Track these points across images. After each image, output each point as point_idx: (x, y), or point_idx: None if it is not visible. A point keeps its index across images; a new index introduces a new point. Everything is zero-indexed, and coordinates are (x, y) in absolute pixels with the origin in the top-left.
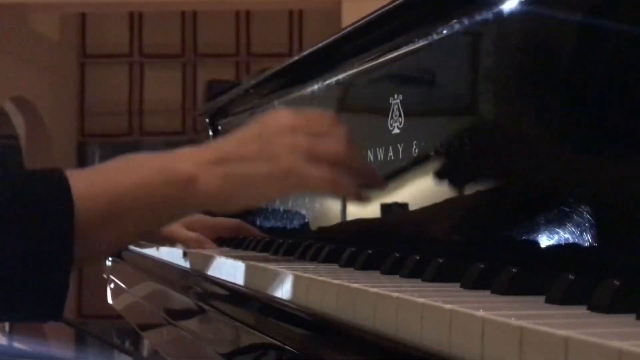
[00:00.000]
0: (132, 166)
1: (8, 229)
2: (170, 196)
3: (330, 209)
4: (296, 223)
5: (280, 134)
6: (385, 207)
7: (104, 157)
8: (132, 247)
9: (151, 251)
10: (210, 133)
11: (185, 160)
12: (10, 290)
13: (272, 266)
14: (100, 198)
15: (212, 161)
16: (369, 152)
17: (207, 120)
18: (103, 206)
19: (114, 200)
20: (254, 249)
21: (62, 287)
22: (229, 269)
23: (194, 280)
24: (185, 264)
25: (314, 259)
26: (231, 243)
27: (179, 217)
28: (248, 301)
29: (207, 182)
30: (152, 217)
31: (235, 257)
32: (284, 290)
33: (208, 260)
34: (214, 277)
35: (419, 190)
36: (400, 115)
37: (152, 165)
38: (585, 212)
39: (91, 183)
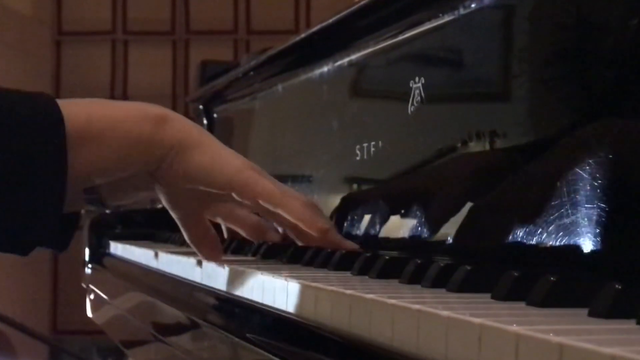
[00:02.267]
0: (110, 102)
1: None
2: (143, 131)
3: (341, 208)
4: None
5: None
6: (403, 207)
7: None
8: (115, 252)
9: (137, 257)
10: (205, 121)
11: (162, 107)
12: (9, 208)
13: (275, 274)
14: (81, 117)
15: (188, 120)
16: (387, 143)
17: (200, 107)
18: (84, 124)
19: (94, 123)
20: (254, 255)
21: (57, 205)
22: (225, 278)
23: (186, 290)
24: (175, 271)
25: (323, 266)
26: (229, 247)
27: (152, 160)
28: (247, 314)
29: (177, 127)
30: (127, 148)
31: (234, 264)
32: (289, 302)
33: (198, 267)
34: (207, 286)
35: (442, 187)
36: (422, 101)
37: (128, 104)
38: (636, 216)
39: (73, 104)
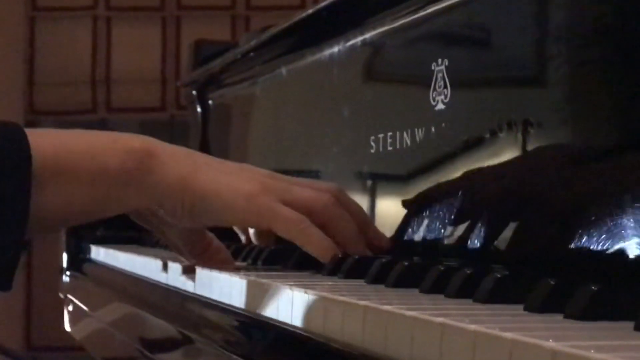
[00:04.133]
0: (85, 132)
1: None
2: (125, 167)
3: None
4: None
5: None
6: (425, 207)
7: None
8: (97, 258)
9: (122, 263)
10: (199, 109)
11: (154, 140)
12: None
13: (279, 283)
14: (48, 150)
15: (179, 151)
16: (405, 134)
17: (194, 92)
18: (55, 159)
19: (65, 155)
20: (255, 261)
21: (16, 245)
22: (223, 287)
23: (177, 300)
24: (165, 280)
25: (333, 273)
26: None
27: (133, 201)
28: (247, 328)
29: (167, 163)
30: (105, 185)
31: (231, 271)
32: (294, 314)
33: (197, 276)
34: (201, 296)
35: (469, 184)
36: (445, 86)
37: (107, 136)
38: None
39: (42, 135)
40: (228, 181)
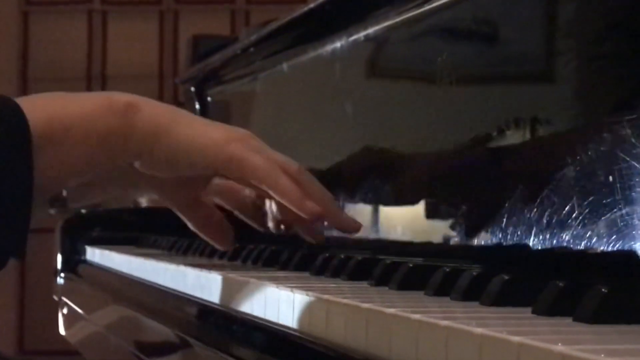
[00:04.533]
0: (75, 95)
1: None
2: (111, 125)
3: (360, 206)
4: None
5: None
6: (429, 207)
7: None
8: (92, 259)
9: (118, 265)
10: (197, 106)
11: (134, 95)
12: None
13: (280, 285)
14: (41, 118)
15: (161, 104)
16: (409, 132)
17: (192, 89)
18: (45, 126)
19: (58, 121)
20: (255, 261)
21: (25, 212)
22: (220, 288)
23: (175, 303)
24: (162, 281)
25: (336, 274)
26: (224, 253)
27: (128, 154)
28: (247, 331)
29: (147, 115)
30: (96, 145)
31: (230, 272)
32: (295, 317)
33: (189, 275)
34: (200, 298)
35: (478, 185)
36: (451, 83)
37: (95, 97)
38: None
39: (34, 103)
40: (203, 130)
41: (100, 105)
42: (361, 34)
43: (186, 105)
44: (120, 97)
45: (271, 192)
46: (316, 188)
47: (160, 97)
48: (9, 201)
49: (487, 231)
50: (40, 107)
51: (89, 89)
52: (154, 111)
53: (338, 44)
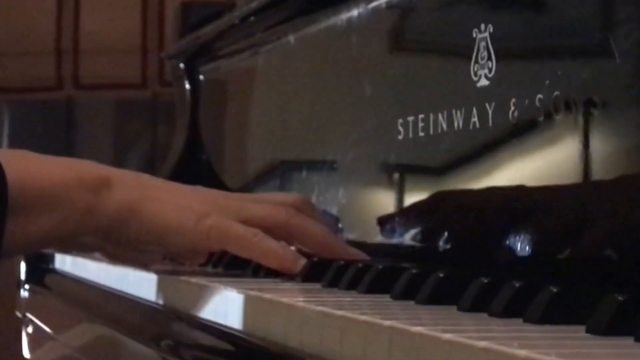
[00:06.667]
0: (49, 160)
1: None
2: (82, 200)
3: (377, 206)
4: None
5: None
6: (463, 207)
7: (19, 123)
8: (62, 268)
9: (93, 274)
10: (187, 86)
11: (105, 167)
12: None
13: (286, 299)
14: (16, 181)
15: (128, 175)
16: (440, 117)
17: (181, 65)
18: (19, 190)
19: (25, 185)
20: (256, 273)
21: None
22: (220, 304)
23: (164, 321)
24: (146, 295)
25: (351, 287)
26: (221, 261)
27: (99, 229)
28: (249, 353)
29: (115, 191)
30: (65, 220)
31: (225, 283)
32: (304, 337)
33: (187, 289)
34: (193, 315)
35: (519, 176)
36: (489, 59)
37: (66, 164)
38: None
39: (10, 161)
40: (176, 204)
41: (73, 176)
42: (382, 0)
43: (174, 85)
44: (92, 170)
45: (261, 262)
46: (313, 228)
47: (143, 76)
48: None
49: (534, 237)
50: (15, 167)
51: (58, 65)
52: (126, 188)
53: (355, 12)
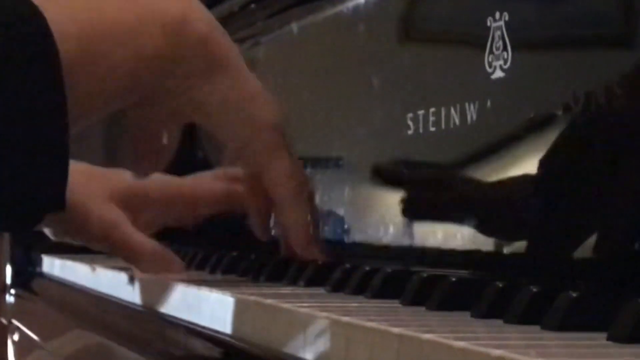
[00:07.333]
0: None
1: None
2: (160, 48)
3: (385, 206)
4: (329, 231)
5: None
6: (475, 207)
7: None
8: (51, 271)
9: (83, 278)
10: None
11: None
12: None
13: (287, 304)
14: (71, 32)
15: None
16: (453, 111)
17: None
18: (75, 46)
19: (82, 37)
20: (257, 274)
21: (62, 148)
22: (213, 308)
23: (154, 327)
24: (140, 300)
25: (358, 291)
26: (219, 265)
27: (167, 82)
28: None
29: (198, 24)
30: (135, 71)
31: (222, 287)
32: (307, 343)
33: (173, 292)
34: (187, 322)
35: (536, 176)
36: (505, 48)
37: (135, 4)
38: None
39: (50, 4)
40: (261, 92)
41: (148, 18)
42: None
43: None
44: (168, 7)
45: (284, 216)
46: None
47: None
48: (44, 140)
49: (554, 238)
50: (65, 12)
51: None
52: (202, 25)
53: (362, 0)
